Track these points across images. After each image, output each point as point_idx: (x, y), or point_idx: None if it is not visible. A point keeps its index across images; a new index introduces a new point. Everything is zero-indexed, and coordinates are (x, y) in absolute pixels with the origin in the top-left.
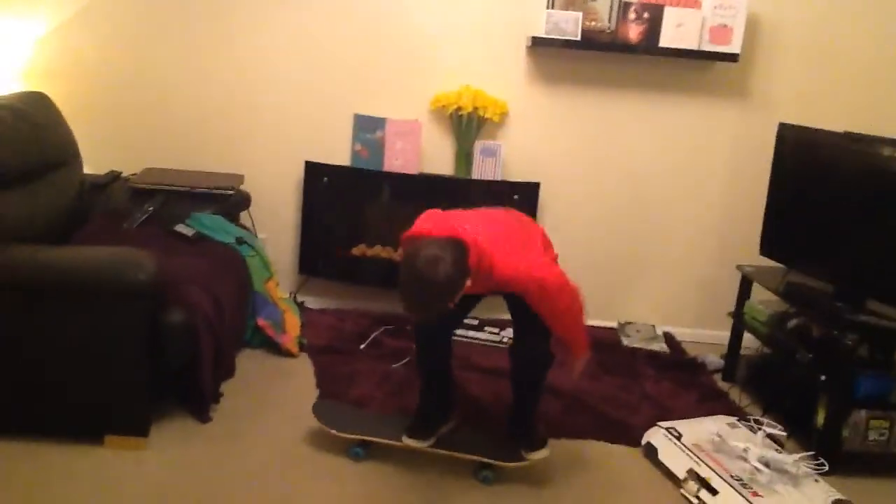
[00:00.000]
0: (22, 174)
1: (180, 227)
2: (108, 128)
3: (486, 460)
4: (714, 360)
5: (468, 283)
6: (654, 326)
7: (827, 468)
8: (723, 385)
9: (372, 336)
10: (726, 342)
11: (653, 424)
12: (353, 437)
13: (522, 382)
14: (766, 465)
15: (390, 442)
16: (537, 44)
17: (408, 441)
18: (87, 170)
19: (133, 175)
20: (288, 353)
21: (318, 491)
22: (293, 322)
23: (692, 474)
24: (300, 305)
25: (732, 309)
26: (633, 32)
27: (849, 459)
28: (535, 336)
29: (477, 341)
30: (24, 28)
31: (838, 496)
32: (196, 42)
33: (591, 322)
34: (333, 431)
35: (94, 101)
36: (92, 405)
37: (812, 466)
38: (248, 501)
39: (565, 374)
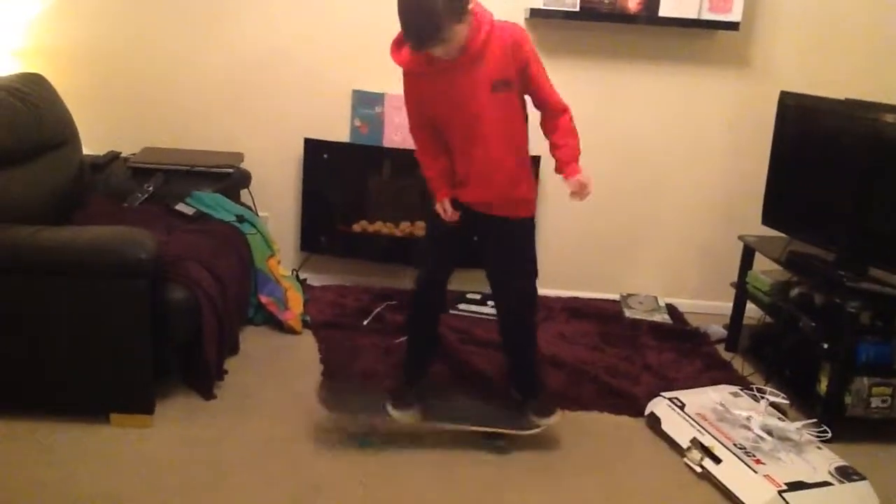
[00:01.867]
0: (21, 155)
1: (181, 206)
2: (107, 108)
3: (499, 430)
4: (717, 329)
5: (464, 33)
6: (656, 298)
7: (830, 435)
8: (726, 355)
9: (375, 311)
10: (729, 312)
11: (656, 395)
12: (353, 422)
13: (513, 329)
14: (769, 433)
15: (382, 419)
16: (536, 15)
17: (394, 413)
18: (86, 150)
19: (132, 155)
20: (291, 330)
21: (323, 465)
22: (296, 299)
23: (695, 443)
24: (302, 282)
25: (735, 279)
26: (633, 2)
27: (851, 426)
28: (518, 273)
29: (480, 315)
30: (19, 8)
31: (841, 463)
32: (194, 20)
33: (593, 294)
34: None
35: (91, 81)
36: (97, 384)
37: (815, 434)
38: (253, 477)
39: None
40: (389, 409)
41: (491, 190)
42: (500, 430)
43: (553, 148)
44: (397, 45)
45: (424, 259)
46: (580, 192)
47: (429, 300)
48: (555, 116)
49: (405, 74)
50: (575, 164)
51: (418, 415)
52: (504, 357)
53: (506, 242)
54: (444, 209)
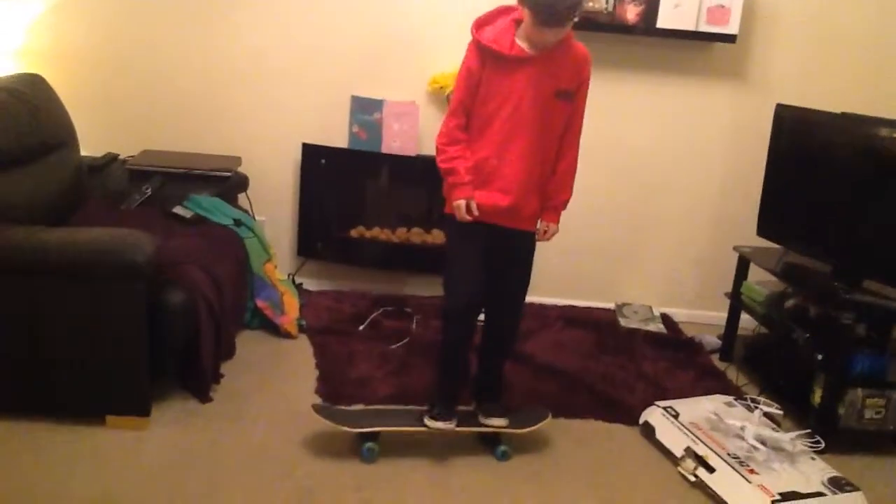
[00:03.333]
0: (19, 156)
1: (178, 209)
2: (105, 110)
3: (507, 430)
4: (711, 340)
5: (566, 33)
6: (651, 307)
7: (823, 446)
8: (720, 365)
9: (370, 317)
10: (723, 323)
11: (650, 404)
12: (369, 430)
13: (507, 337)
14: (763, 443)
15: (418, 429)
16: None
17: (435, 425)
18: (84, 152)
19: (130, 157)
20: (287, 335)
21: (318, 470)
22: (292, 303)
23: (689, 452)
24: (298, 287)
25: (730, 289)
26: (631, 13)
27: (845, 437)
28: (519, 286)
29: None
30: (20, 8)
31: (834, 473)
32: (194, 23)
33: (588, 302)
34: (345, 428)
35: (90, 83)
36: (93, 385)
37: (808, 444)
38: (248, 481)
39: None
40: (427, 420)
41: (511, 193)
42: (508, 431)
43: (551, 186)
44: (479, 24)
45: (458, 282)
46: (542, 237)
47: (469, 325)
48: (566, 152)
49: (477, 51)
50: (557, 214)
51: (455, 423)
52: (479, 365)
53: (515, 254)
54: (467, 212)
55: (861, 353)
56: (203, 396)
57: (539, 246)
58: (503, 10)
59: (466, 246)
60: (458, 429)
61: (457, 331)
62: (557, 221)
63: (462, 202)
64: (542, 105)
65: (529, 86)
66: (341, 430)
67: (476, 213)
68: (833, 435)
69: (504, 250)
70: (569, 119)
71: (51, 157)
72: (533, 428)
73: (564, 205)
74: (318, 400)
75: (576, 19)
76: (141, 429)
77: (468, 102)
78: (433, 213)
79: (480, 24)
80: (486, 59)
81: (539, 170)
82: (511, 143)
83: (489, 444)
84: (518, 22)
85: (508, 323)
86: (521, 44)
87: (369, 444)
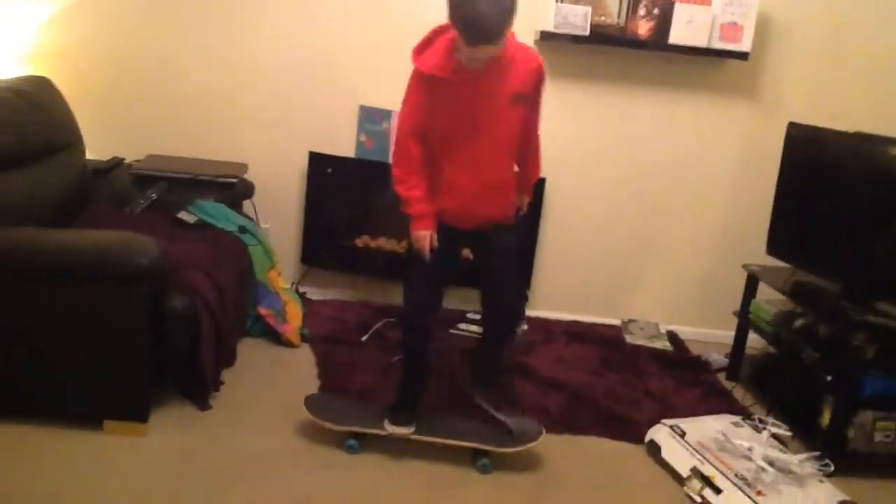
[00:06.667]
0: (25, 157)
1: (182, 214)
2: (112, 114)
3: (484, 447)
4: (718, 358)
5: (503, 46)
6: (657, 324)
7: (832, 469)
8: (727, 384)
9: (374, 328)
10: (729, 341)
11: (656, 421)
12: (343, 429)
13: (500, 336)
14: (771, 464)
15: (377, 432)
16: (545, 38)
17: (392, 429)
18: (90, 156)
19: (136, 161)
20: (289, 343)
21: (316, 480)
22: (295, 312)
23: (696, 472)
24: (301, 296)
25: (737, 308)
26: (643, 28)
27: (854, 461)
28: (513, 286)
29: (475, 335)
30: (28, 11)
31: (843, 497)
32: (202, 30)
33: (594, 318)
34: (327, 424)
35: (97, 86)
36: (92, 390)
37: (817, 467)
38: (245, 490)
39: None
40: (386, 424)
41: (468, 198)
42: (487, 448)
43: (524, 172)
44: (418, 51)
45: (414, 285)
46: (520, 212)
47: (426, 326)
48: (530, 148)
49: (423, 80)
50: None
51: (412, 429)
52: (479, 357)
53: (492, 245)
54: (428, 245)
55: (871, 375)
56: (202, 404)
57: (544, 259)
58: (437, 31)
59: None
60: (413, 436)
61: (410, 335)
62: (531, 194)
63: (421, 237)
64: (497, 114)
65: (482, 98)
66: (324, 425)
67: (434, 246)
68: (842, 457)
69: (480, 248)
70: (527, 119)
71: (56, 159)
72: (519, 449)
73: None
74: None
75: (505, 36)
76: (139, 435)
77: (420, 129)
78: None
79: (420, 50)
80: (432, 86)
81: (498, 176)
82: (469, 154)
83: (472, 455)
84: (455, 40)
85: (499, 311)
86: (463, 61)
87: (350, 441)
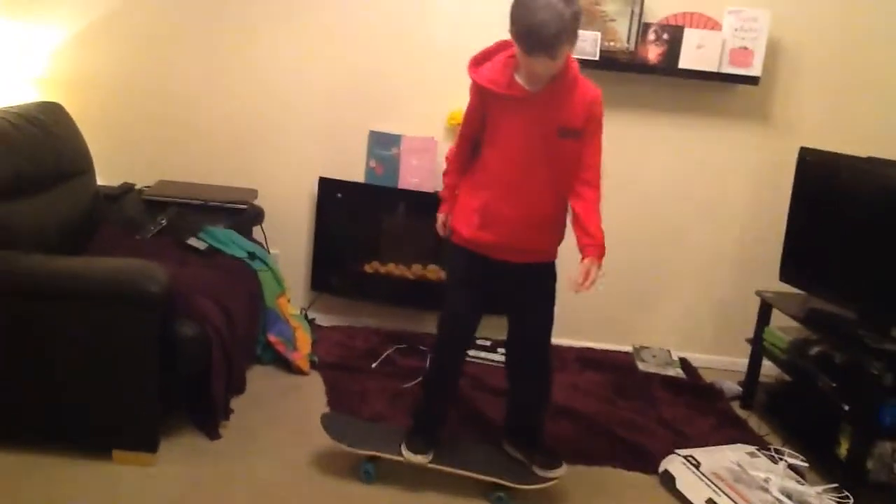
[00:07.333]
0: (36, 183)
1: (192, 241)
2: (123, 139)
3: (502, 482)
4: (731, 386)
5: (564, 60)
6: (669, 351)
7: (851, 501)
8: (741, 412)
9: (384, 355)
10: (743, 369)
11: (669, 450)
12: (360, 452)
13: (529, 375)
14: (789, 496)
15: (394, 457)
16: None
17: (409, 455)
18: (100, 181)
19: (147, 187)
20: (299, 371)
21: None
22: (304, 339)
23: None
24: (311, 322)
25: (751, 335)
26: (653, 53)
27: (874, 492)
28: (542, 316)
29: (490, 362)
30: (41, 38)
31: None
32: (213, 56)
33: (606, 345)
34: (344, 446)
35: (109, 112)
36: (101, 419)
37: (835, 499)
38: None
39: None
40: (404, 450)
41: (506, 229)
42: (505, 483)
43: (575, 217)
44: (476, 61)
45: (449, 297)
46: (582, 281)
47: (454, 354)
48: (581, 191)
49: (477, 89)
50: (590, 255)
51: (430, 458)
52: (509, 406)
53: (525, 287)
54: (441, 228)
55: (890, 404)
56: (213, 433)
57: (557, 286)
58: (501, 45)
59: (460, 275)
60: (431, 465)
61: (440, 358)
62: (594, 261)
63: (439, 216)
64: (542, 143)
65: (529, 123)
66: (341, 447)
67: (447, 230)
68: (862, 489)
69: (514, 284)
70: (578, 157)
71: (68, 185)
72: (539, 487)
73: (595, 249)
74: (328, 439)
75: (568, 50)
76: (148, 464)
77: (469, 134)
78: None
79: (478, 62)
80: (485, 97)
81: (539, 209)
82: (510, 180)
83: (490, 487)
84: (515, 56)
85: (529, 362)
86: (521, 80)
87: (366, 467)
